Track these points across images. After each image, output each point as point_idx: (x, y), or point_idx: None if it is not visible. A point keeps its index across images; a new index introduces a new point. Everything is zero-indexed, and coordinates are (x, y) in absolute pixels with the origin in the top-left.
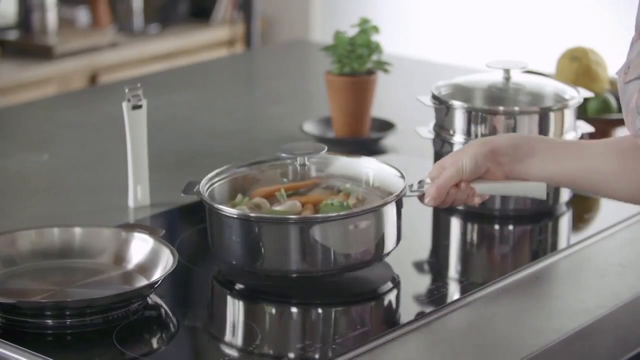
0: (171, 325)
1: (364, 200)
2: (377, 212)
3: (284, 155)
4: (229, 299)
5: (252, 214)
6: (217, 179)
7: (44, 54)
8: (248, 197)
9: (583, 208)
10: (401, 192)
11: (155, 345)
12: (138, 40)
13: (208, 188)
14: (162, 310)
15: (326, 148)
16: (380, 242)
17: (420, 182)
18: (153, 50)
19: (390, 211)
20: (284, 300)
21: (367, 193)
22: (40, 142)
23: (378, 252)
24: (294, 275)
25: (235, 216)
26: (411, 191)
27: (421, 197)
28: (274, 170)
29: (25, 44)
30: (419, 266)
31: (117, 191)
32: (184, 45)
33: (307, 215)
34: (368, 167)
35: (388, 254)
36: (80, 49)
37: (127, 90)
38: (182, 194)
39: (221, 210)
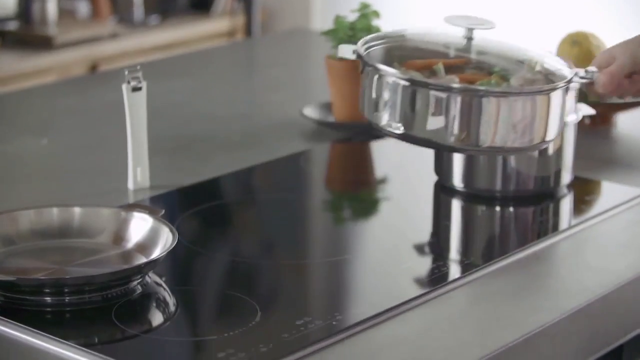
0: (171, 303)
1: (530, 83)
2: (545, 96)
3: (449, 25)
4: (228, 276)
5: (422, 79)
6: (373, 43)
7: (44, 44)
8: (403, 68)
9: (584, 190)
10: (570, 78)
11: (154, 323)
12: (138, 31)
13: (365, 50)
14: (162, 289)
15: (495, 25)
16: (544, 128)
17: (586, 70)
18: (153, 41)
19: (557, 97)
20: (283, 278)
21: (532, 77)
22: (39, 127)
23: (540, 138)
24: (450, 148)
25: (403, 80)
26: (580, 78)
27: (590, 85)
28: (434, 42)
29: (25, 34)
30: (419, 246)
31: (117, 175)
32: (184, 36)
33: (483, 87)
34: (531, 52)
35: (548, 142)
36: (80, 40)
37: (126, 73)
38: (338, 56)
39: (389, 74)
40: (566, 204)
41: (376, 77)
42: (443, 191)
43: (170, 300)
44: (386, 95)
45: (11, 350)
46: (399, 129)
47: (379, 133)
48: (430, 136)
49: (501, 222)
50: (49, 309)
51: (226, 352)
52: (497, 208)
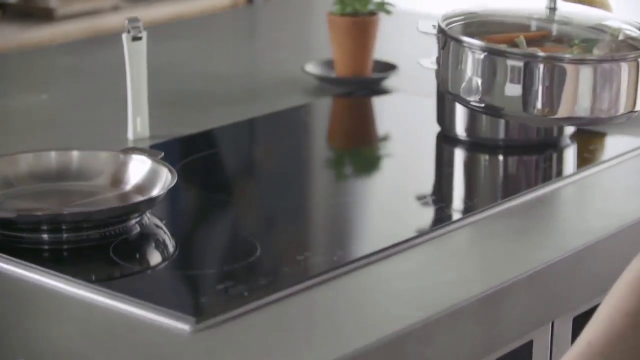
0: (169, 242)
1: (615, 52)
2: (634, 62)
3: None
4: (228, 218)
5: (505, 49)
6: (453, 19)
7: (45, 16)
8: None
9: (588, 141)
10: None
11: (152, 259)
12: (140, 5)
13: (446, 26)
14: (161, 230)
15: None
16: (633, 97)
17: None
18: (155, 14)
19: None
20: (284, 219)
21: (616, 46)
22: (40, 85)
23: (629, 107)
24: (533, 119)
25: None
26: None
27: None
28: (513, 16)
29: (26, 6)
30: (423, 191)
31: (117, 126)
32: (186, 9)
33: (574, 56)
34: (613, 19)
35: (636, 112)
36: (82, 12)
37: (127, 22)
38: (419, 30)
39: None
40: (570, 152)
41: (458, 49)
42: (446, 141)
43: (169, 240)
44: (469, 67)
45: (9, 285)
46: (481, 100)
47: (455, 99)
48: (513, 107)
49: (504, 169)
50: (46, 247)
51: (225, 284)
52: (500, 157)
